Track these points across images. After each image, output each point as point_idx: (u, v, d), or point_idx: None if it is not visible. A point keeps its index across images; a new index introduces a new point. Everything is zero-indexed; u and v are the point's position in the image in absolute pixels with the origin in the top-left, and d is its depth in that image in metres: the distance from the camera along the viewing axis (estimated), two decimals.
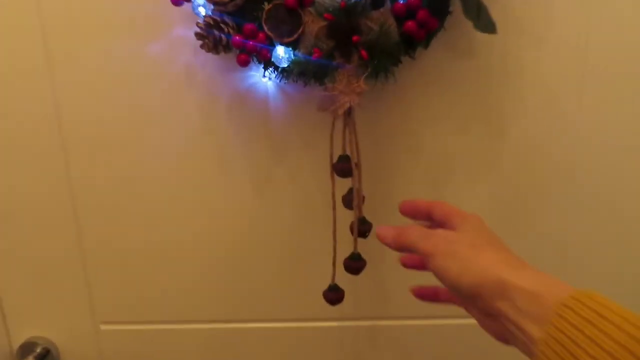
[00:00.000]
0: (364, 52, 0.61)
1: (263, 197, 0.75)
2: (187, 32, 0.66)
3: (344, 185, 0.67)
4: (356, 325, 0.82)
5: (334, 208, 0.68)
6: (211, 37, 0.62)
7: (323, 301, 0.70)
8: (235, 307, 0.81)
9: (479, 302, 0.42)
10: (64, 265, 0.78)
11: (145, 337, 0.82)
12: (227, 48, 0.63)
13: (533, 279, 0.39)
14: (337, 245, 0.69)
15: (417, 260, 0.55)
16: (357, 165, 0.66)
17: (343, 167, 0.65)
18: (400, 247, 0.50)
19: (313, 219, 0.75)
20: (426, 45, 0.64)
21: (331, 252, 0.69)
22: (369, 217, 0.69)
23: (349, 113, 0.64)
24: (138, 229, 0.77)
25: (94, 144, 0.73)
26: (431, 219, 0.52)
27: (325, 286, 0.70)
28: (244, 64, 0.63)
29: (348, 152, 0.66)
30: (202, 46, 0.63)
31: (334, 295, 0.70)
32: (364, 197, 0.68)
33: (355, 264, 0.68)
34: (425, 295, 0.55)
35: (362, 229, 0.68)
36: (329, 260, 0.69)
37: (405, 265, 0.56)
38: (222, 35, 0.62)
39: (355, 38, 0.60)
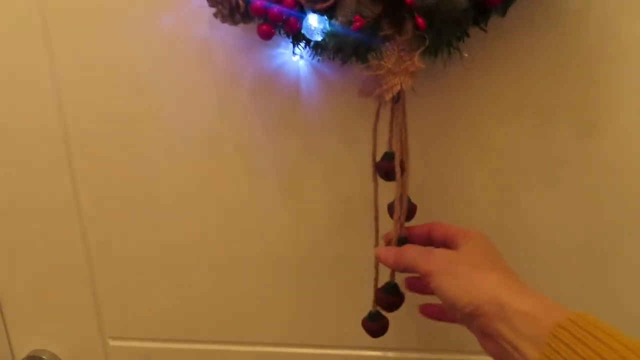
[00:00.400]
0: (420, 20, 0.45)
1: (293, 201, 0.61)
2: (203, 2, 0.53)
3: (392, 189, 0.52)
4: (402, 357, 0.66)
5: (377, 219, 0.53)
6: (226, 2, 0.48)
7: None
8: (257, 328, 0.67)
9: (477, 322, 0.42)
10: (70, 276, 0.67)
11: (156, 355, 0.70)
12: (246, 17, 0.49)
13: (530, 301, 0.39)
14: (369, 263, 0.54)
15: (421, 284, 0.52)
16: (403, 165, 0.50)
17: (387, 167, 0.49)
18: (401, 269, 0.49)
19: (353, 229, 0.61)
20: (503, 12, 0.48)
21: (373, 269, 0.54)
22: None
23: (397, 99, 0.48)
24: (149, 237, 0.64)
25: (98, 138, 0.61)
26: (432, 242, 0.51)
27: (365, 309, 0.56)
28: (267, 36, 0.49)
29: (392, 149, 0.50)
30: (215, 14, 0.50)
31: (375, 325, 0.55)
32: (415, 207, 0.53)
33: (388, 298, 0.53)
34: (431, 313, 0.54)
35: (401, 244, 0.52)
36: (371, 278, 0.55)
37: (410, 288, 0.54)
38: (240, 0, 0.48)
39: (408, 1, 0.45)
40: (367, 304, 0.56)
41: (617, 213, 0.58)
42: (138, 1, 0.55)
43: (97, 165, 0.62)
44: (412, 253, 0.47)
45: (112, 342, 0.70)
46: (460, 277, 0.43)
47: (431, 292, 0.50)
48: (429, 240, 0.51)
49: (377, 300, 0.53)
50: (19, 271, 0.68)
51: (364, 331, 0.56)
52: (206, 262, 0.65)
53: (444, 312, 0.52)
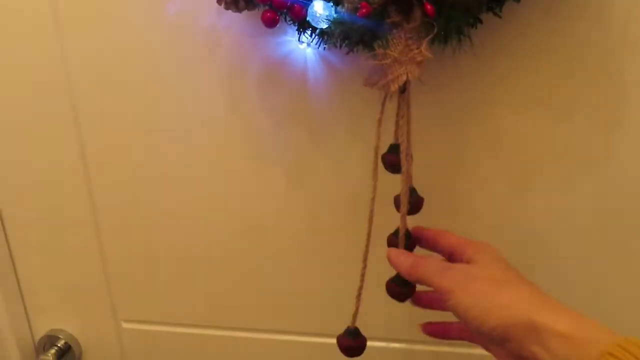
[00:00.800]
0: (428, 7, 0.42)
1: (299, 192, 0.58)
2: None
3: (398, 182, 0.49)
4: (407, 349, 0.64)
5: (371, 221, 0.49)
6: None
7: (365, 318, 0.53)
8: (267, 317, 0.66)
9: (509, 346, 0.36)
10: (84, 260, 0.67)
11: (168, 338, 0.69)
12: (250, 3, 0.46)
13: (569, 322, 0.34)
14: (377, 258, 0.50)
15: (431, 299, 0.49)
16: (408, 157, 0.46)
17: (392, 159, 0.47)
18: (416, 280, 0.44)
19: (360, 219, 0.58)
20: None
21: (380, 260, 0.50)
22: (430, 225, 0.51)
23: (403, 89, 0.45)
24: (160, 224, 0.63)
25: (108, 125, 0.59)
26: (437, 251, 0.47)
27: (371, 298, 0.52)
28: (271, 23, 0.46)
29: (398, 140, 0.47)
30: (219, 1, 0.47)
31: (352, 341, 0.51)
32: (422, 200, 0.50)
33: (400, 289, 0.49)
34: (435, 331, 0.50)
35: (406, 244, 0.49)
36: (374, 270, 0.51)
37: (417, 303, 0.50)
38: None
39: None
40: (371, 295, 0.53)
41: (635, 208, 0.54)
42: None
43: (108, 152, 0.61)
44: (431, 266, 0.42)
45: (125, 325, 0.70)
46: (481, 295, 0.37)
47: (445, 309, 0.45)
48: (435, 247, 0.47)
49: (389, 291, 0.49)
50: (36, 256, 0.68)
51: (369, 321, 0.54)
52: (215, 250, 0.63)
53: (449, 330, 0.49)
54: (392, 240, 0.49)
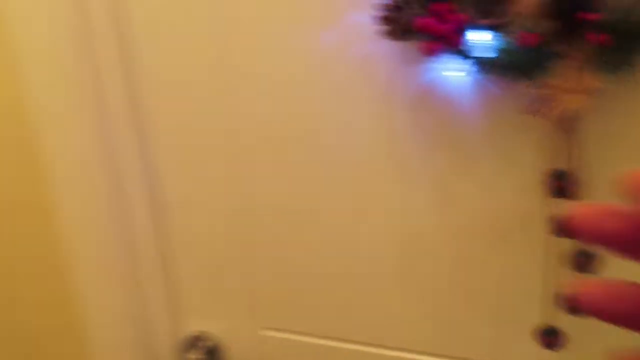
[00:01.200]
0: (602, 37, 0.41)
1: (445, 216, 0.59)
2: (362, 18, 0.53)
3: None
4: None
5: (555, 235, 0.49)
6: (395, 20, 0.47)
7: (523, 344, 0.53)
8: (414, 336, 0.66)
9: None
10: (230, 265, 0.71)
11: (306, 349, 0.72)
12: (408, 32, 0.48)
13: None
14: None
15: None
16: (579, 184, 0.47)
17: (560, 185, 0.46)
18: None
19: (507, 246, 0.57)
20: None
21: (535, 286, 0.51)
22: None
23: (571, 118, 0.45)
24: (304, 237, 0.66)
25: (264, 142, 0.64)
26: None
27: (525, 324, 0.53)
28: (430, 53, 0.48)
29: (565, 167, 0.47)
30: (383, 33, 0.49)
31: (550, 339, 0.53)
32: None
33: (548, 339, 0.52)
34: None
35: (583, 261, 0.49)
36: (528, 296, 0.52)
37: None
38: (404, 18, 0.47)
39: (591, 17, 0.41)
40: (519, 321, 0.52)
41: None
42: (300, 18, 0.57)
43: (260, 163, 0.65)
44: None
45: (264, 332, 0.73)
46: None
47: None
48: None
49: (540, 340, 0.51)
50: (191, 260, 0.74)
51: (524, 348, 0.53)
52: (361, 265, 0.65)
53: None
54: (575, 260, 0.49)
